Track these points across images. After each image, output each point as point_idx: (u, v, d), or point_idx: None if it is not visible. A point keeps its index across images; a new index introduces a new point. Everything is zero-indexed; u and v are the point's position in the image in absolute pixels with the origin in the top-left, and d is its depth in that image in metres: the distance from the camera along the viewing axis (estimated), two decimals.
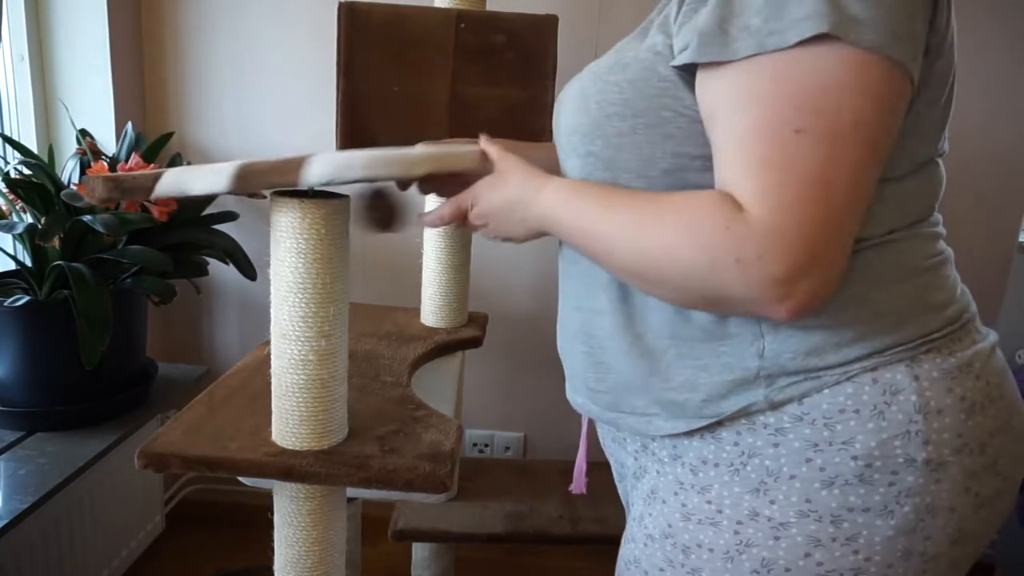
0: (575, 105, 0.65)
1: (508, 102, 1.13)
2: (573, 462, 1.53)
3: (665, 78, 0.59)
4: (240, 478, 0.76)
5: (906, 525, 0.58)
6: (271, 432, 0.77)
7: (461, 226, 0.74)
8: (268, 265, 0.72)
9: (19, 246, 1.30)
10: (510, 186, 0.68)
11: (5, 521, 1.00)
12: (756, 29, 0.51)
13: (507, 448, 1.76)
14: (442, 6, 1.19)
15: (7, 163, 1.34)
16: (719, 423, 0.62)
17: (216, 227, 1.42)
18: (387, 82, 1.11)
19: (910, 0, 0.52)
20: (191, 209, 1.37)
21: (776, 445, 0.60)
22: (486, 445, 1.76)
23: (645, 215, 0.57)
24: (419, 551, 1.39)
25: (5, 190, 1.25)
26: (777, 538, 0.60)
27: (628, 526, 0.73)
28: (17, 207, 1.27)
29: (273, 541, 0.80)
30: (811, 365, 0.59)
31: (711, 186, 0.59)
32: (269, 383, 0.76)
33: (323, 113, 1.56)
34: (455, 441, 0.79)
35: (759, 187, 0.52)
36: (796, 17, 0.50)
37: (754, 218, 0.51)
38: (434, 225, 0.76)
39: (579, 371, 0.73)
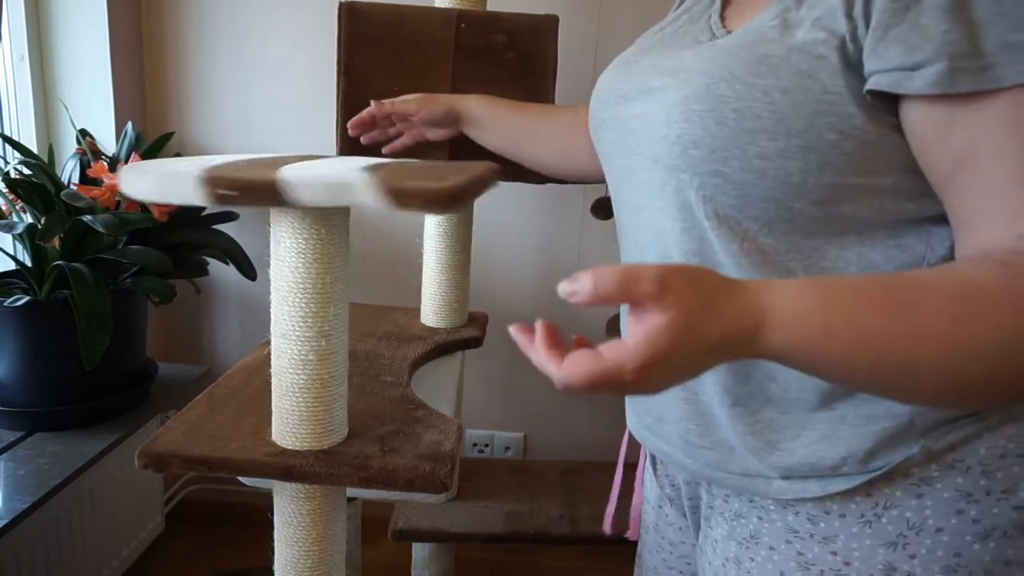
0: (698, 108, 0.53)
1: None
2: (573, 462, 1.54)
3: (830, 91, 0.48)
4: (240, 478, 0.76)
5: None
6: (271, 432, 0.77)
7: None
8: (268, 265, 0.72)
9: (19, 246, 1.30)
10: (705, 334, 0.43)
11: (5, 521, 1.00)
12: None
13: (507, 448, 1.76)
14: (442, 6, 1.19)
15: (7, 163, 1.34)
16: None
17: (216, 227, 1.42)
18: (387, 82, 1.11)
19: None
20: (191, 209, 1.37)
21: (920, 496, 0.53)
22: (486, 445, 1.76)
23: (967, 319, 0.43)
24: (419, 551, 1.39)
25: (5, 190, 1.25)
26: None
27: (718, 566, 0.65)
28: (17, 207, 1.27)
29: (273, 541, 0.80)
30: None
31: (868, 218, 0.51)
32: (269, 383, 0.76)
33: (323, 113, 1.56)
34: (455, 441, 0.79)
35: None
36: None
37: None
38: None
39: (672, 418, 0.63)
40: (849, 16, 0.47)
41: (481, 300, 1.55)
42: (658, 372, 0.43)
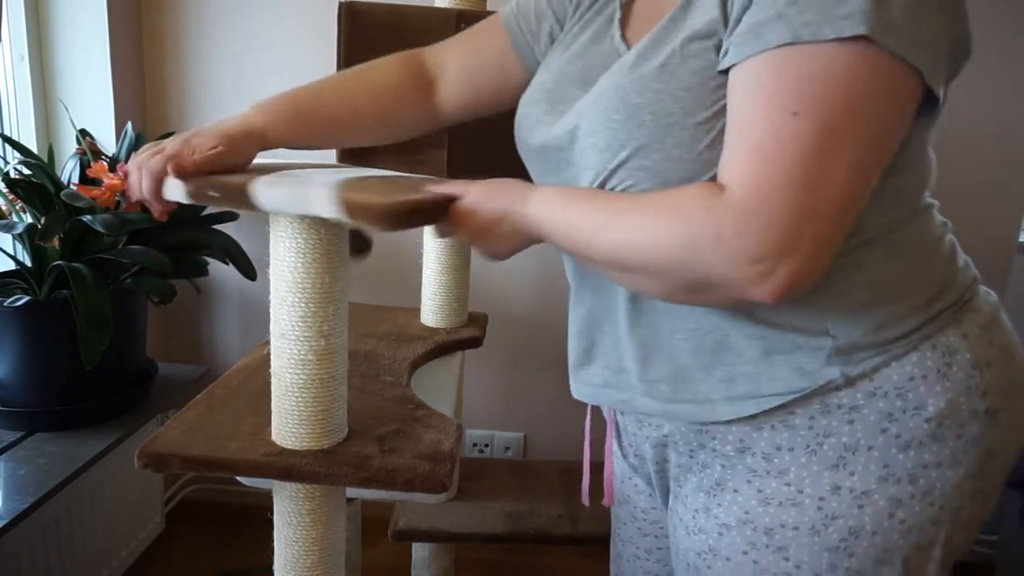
0: (618, 118, 0.61)
1: None
2: (573, 461, 1.53)
3: (722, 84, 0.57)
4: (240, 478, 0.76)
5: (971, 470, 0.64)
6: (271, 432, 0.77)
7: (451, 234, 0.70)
8: (268, 265, 0.72)
9: (19, 246, 1.30)
10: (501, 196, 0.66)
11: (5, 521, 1.00)
12: (791, 19, 0.51)
13: (507, 448, 1.76)
14: (442, 6, 1.19)
15: (7, 163, 1.34)
16: (791, 411, 0.64)
17: (216, 227, 1.42)
18: None
19: (939, 15, 0.53)
20: (191, 209, 1.37)
21: (851, 422, 0.63)
22: (486, 445, 1.76)
23: (628, 207, 0.59)
24: (419, 551, 1.39)
25: (5, 190, 1.25)
26: (861, 506, 0.63)
27: (688, 519, 0.72)
28: (17, 207, 1.27)
29: (273, 541, 0.80)
30: (881, 339, 0.62)
31: None
32: (269, 383, 0.76)
33: None
34: (455, 441, 0.79)
35: (745, 168, 0.53)
36: (838, 14, 0.50)
37: (734, 198, 0.52)
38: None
39: (629, 364, 0.71)
40: (724, 17, 0.57)
41: (481, 300, 1.55)
42: (482, 206, 0.66)
